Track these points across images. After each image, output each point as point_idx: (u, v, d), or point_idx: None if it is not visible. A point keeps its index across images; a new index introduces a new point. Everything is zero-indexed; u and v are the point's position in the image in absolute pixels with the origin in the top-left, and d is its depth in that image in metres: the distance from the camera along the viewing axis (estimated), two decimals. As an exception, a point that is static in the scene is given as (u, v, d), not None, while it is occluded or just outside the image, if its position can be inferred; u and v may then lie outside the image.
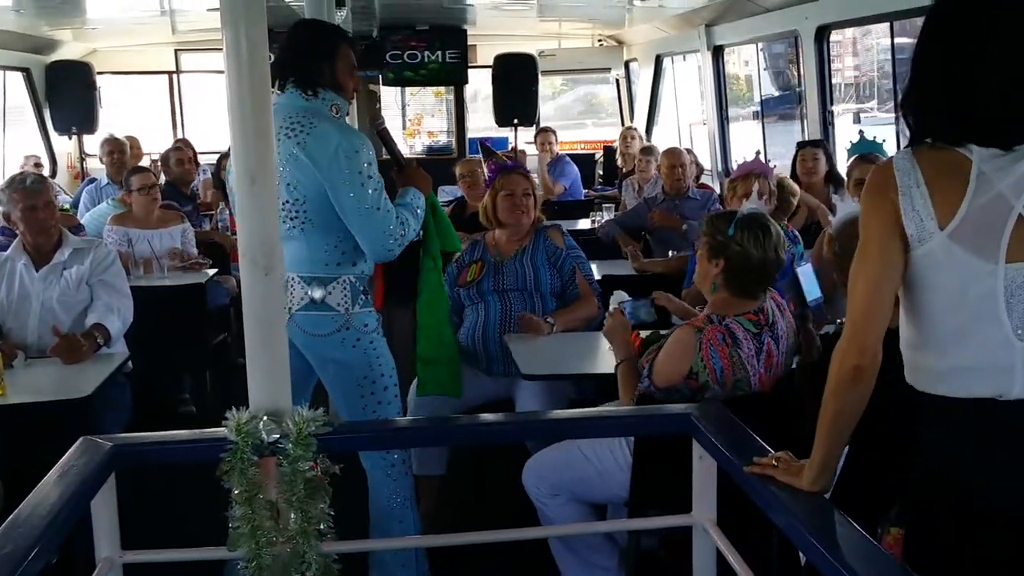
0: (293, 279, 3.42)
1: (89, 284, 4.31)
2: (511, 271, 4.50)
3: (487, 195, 4.66)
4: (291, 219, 3.36)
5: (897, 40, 6.68)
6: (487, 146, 5.49)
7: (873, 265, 2.06)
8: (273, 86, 3.49)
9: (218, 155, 8.86)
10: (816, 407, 2.17)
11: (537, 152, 10.00)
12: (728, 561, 2.30)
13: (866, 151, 5.35)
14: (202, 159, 8.97)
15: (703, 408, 2.55)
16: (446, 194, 8.72)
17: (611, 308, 3.77)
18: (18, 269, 4.29)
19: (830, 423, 2.11)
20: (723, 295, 3.29)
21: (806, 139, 6.95)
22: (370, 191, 3.31)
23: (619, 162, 10.09)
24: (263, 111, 2.22)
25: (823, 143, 6.61)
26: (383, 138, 3.80)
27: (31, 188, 4.24)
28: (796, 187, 5.21)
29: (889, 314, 2.07)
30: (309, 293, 3.41)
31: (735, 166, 5.23)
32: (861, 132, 5.21)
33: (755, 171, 4.93)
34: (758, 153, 5.46)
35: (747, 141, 9.65)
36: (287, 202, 3.34)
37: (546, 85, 13.11)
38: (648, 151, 8.69)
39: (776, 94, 10.84)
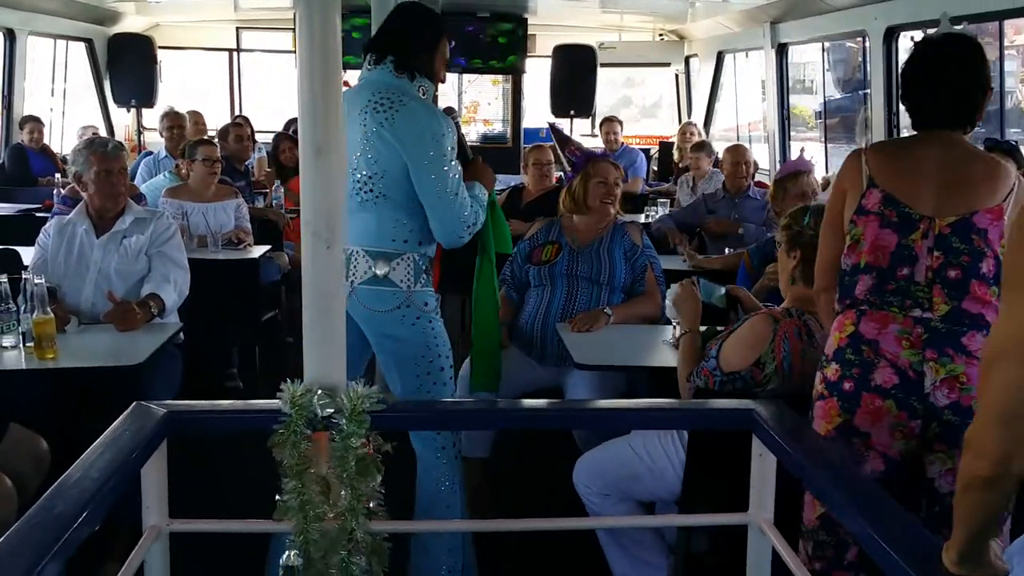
0: (358, 252, 3.42)
1: (148, 255, 4.31)
2: (587, 259, 4.44)
3: (577, 180, 4.54)
4: (366, 192, 3.38)
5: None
6: (560, 130, 5.29)
7: None
8: (364, 59, 3.50)
9: (274, 134, 8.89)
10: None
11: (602, 143, 9.85)
12: (784, 562, 2.24)
13: None
14: (259, 138, 9.01)
15: (765, 404, 2.48)
16: (499, 183, 8.61)
17: (682, 282, 3.69)
18: (79, 234, 4.29)
19: (962, 514, 1.64)
20: (801, 290, 3.22)
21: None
22: (452, 176, 3.34)
23: (676, 157, 9.96)
24: (332, 83, 2.20)
25: None
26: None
27: (111, 153, 4.28)
28: None
29: None
30: (373, 268, 3.40)
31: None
32: None
33: (801, 168, 4.88)
34: (803, 151, 5.36)
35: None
36: (365, 175, 3.37)
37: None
38: (700, 147, 8.57)
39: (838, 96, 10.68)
